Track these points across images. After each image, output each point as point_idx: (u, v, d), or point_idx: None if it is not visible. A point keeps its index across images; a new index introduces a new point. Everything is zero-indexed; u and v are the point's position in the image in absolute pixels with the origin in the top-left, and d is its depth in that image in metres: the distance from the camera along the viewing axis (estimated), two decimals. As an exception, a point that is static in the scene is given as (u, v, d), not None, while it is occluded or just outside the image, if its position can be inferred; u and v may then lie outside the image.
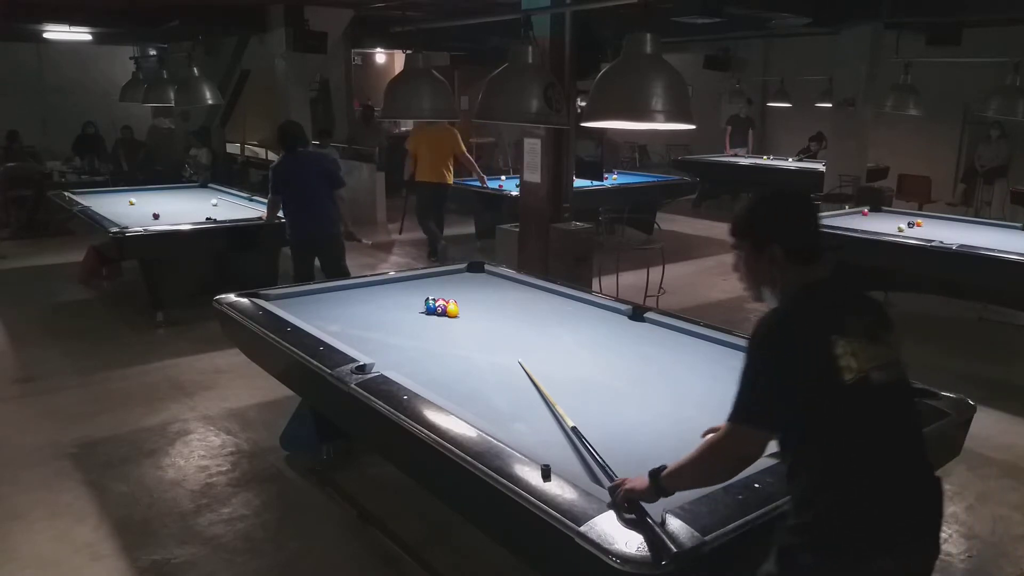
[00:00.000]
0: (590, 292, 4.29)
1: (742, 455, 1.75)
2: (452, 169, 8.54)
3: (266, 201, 6.05)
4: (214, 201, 7.20)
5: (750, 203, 1.90)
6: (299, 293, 4.06)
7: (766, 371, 1.72)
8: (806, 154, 12.71)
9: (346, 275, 5.80)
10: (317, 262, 5.86)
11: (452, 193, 8.77)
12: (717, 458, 1.78)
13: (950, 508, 3.62)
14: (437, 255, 8.32)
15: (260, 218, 6.15)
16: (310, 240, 5.73)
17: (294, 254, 5.77)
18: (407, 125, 14.27)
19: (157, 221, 6.19)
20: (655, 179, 10.54)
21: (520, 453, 2.15)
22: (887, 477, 1.70)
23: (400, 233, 9.94)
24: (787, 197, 1.94)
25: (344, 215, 5.81)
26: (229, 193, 7.92)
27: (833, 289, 1.83)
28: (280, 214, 5.86)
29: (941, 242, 5.51)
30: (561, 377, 2.94)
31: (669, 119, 2.59)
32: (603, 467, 2.15)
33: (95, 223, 6.17)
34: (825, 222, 6.41)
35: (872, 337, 1.73)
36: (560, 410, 2.50)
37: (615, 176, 10.03)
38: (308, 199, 5.64)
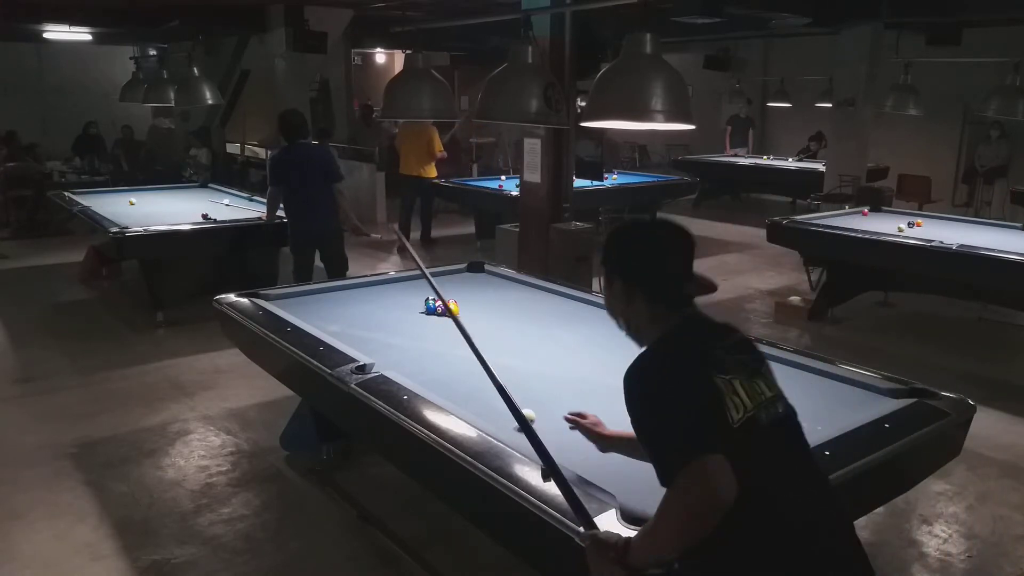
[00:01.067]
0: (590, 292, 4.29)
1: (717, 501, 1.45)
2: (428, 164, 9.27)
3: (265, 200, 6.05)
4: (226, 201, 7.20)
5: (613, 229, 1.81)
6: (299, 293, 4.06)
7: (669, 402, 1.55)
8: (806, 154, 12.71)
9: (346, 266, 5.84)
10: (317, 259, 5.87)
11: (449, 192, 9.23)
12: (686, 512, 1.48)
13: (950, 508, 3.63)
14: (398, 251, 8.97)
15: (260, 218, 6.15)
16: (310, 234, 5.74)
17: (294, 248, 5.78)
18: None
19: (205, 220, 6.19)
20: (655, 179, 10.54)
21: (520, 453, 2.15)
22: (786, 516, 1.54)
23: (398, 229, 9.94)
24: (648, 232, 1.84)
25: (347, 210, 5.83)
26: (229, 193, 7.91)
27: (698, 326, 1.71)
28: (279, 212, 5.87)
29: (941, 242, 5.51)
30: (561, 377, 2.94)
31: (669, 119, 2.59)
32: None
33: (95, 223, 6.17)
34: (825, 222, 6.50)
35: (752, 373, 1.62)
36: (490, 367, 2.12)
37: (615, 176, 10.03)
38: (307, 192, 5.66)
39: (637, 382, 1.60)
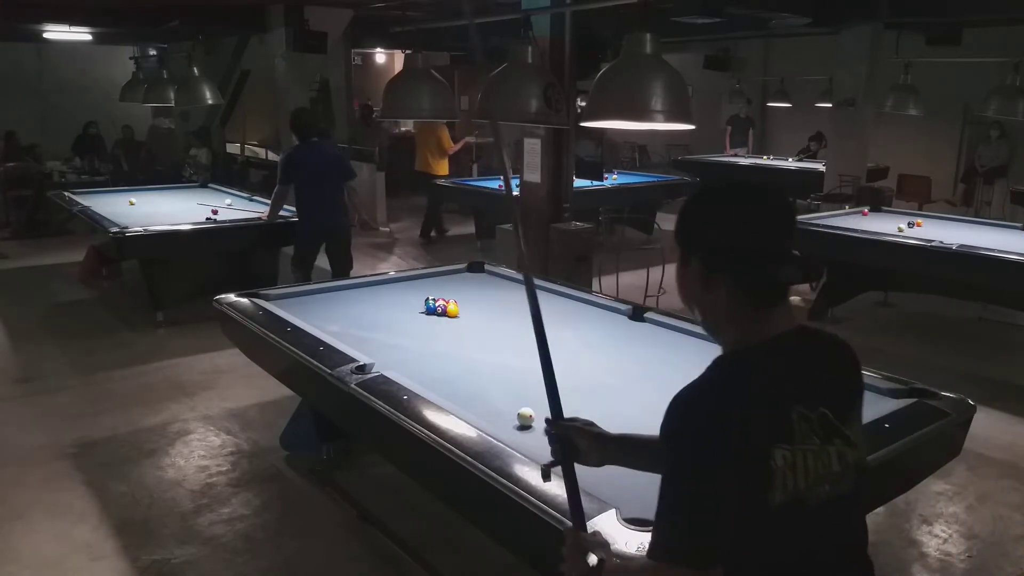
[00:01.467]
0: (590, 292, 4.29)
1: None
2: (439, 160, 9.73)
3: (268, 200, 6.05)
4: (228, 201, 7.21)
5: (693, 194, 1.44)
6: (299, 293, 4.06)
7: (695, 481, 1.26)
8: (806, 154, 12.71)
9: (351, 264, 5.89)
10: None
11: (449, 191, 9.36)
12: None
13: (950, 508, 3.63)
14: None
15: (260, 217, 6.15)
16: (321, 230, 5.82)
17: (302, 243, 5.85)
18: (407, 125, 14.29)
19: (214, 216, 6.22)
20: (655, 179, 10.53)
21: (520, 453, 2.15)
22: None
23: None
24: (740, 195, 1.38)
25: (357, 205, 5.94)
26: (229, 193, 7.91)
27: (782, 350, 1.34)
28: (282, 211, 5.89)
29: (941, 242, 5.50)
30: (561, 377, 2.93)
31: (669, 119, 2.59)
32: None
33: (95, 223, 6.17)
34: (825, 222, 6.50)
35: (827, 435, 1.30)
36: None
37: (615, 176, 10.03)
38: (321, 189, 5.74)
39: (678, 417, 1.30)
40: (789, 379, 1.33)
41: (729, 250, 1.33)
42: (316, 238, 5.84)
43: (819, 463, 1.28)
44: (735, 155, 12.94)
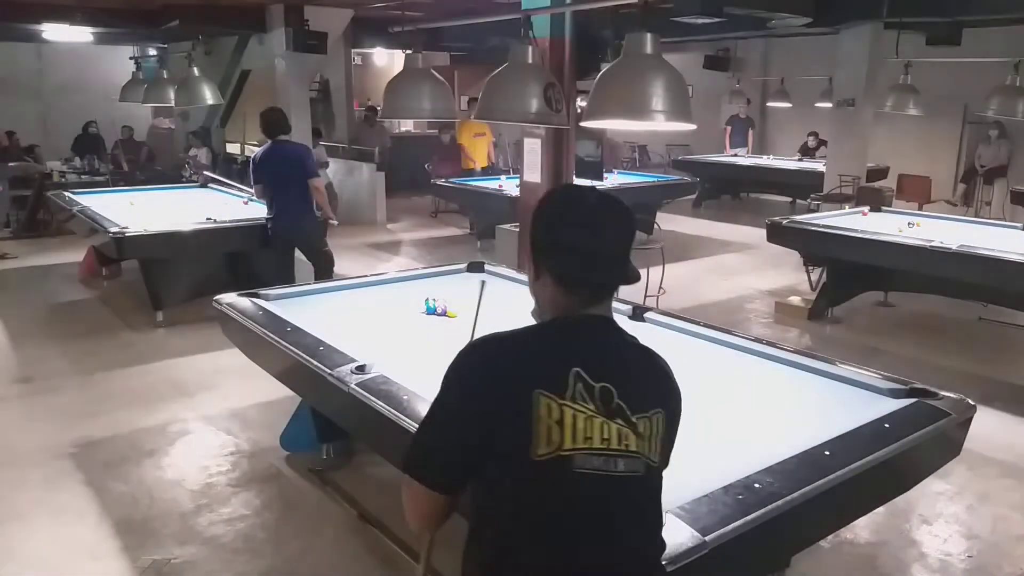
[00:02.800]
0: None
1: (417, 511, 1.50)
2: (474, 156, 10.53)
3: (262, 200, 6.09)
4: (245, 200, 7.21)
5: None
6: (299, 293, 4.06)
7: (447, 414, 1.43)
8: (805, 152, 12.70)
9: (330, 261, 5.93)
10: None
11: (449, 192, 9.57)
12: (406, 505, 1.50)
13: (950, 508, 3.62)
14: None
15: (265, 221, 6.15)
16: (288, 230, 5.86)
17: (273, 245, 5.90)
18: (407, 125, 14.30)
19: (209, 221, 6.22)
20: (655, 179, 10.54)
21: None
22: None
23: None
24: (565, 194, 1.56)
25: (321, 203, 6.01)
26: (230, 193, 7.91)
27: (594, 330, 1.46)
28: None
29: (941, 242, 5.50)
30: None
31: (669, 119, 2.59)
32: None
33: (95, 223, 6.17)
34: (825, 222, 6.50)
35: (608, 409, 1.36)
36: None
37: (615, 176, 10.03)
38: (285, 188, 5.81)
39: (457, 355, 1.45)
40: (578, 346, 1.43)
41: (545, 248, 1.47)
42: (285, 239, 5.89)
43: (592, 429, 1.35)
44: (735, 155, 12.94)
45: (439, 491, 1.46)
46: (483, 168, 10.75)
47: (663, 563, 1.56)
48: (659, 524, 1.51)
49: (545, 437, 1.33)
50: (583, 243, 1.44)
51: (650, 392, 1.46)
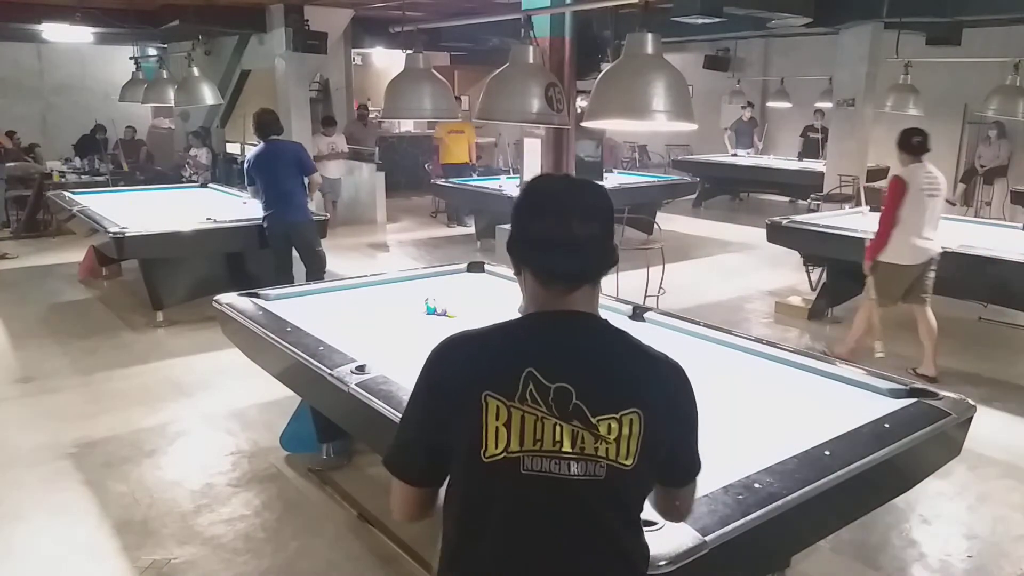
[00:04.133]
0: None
1: (397, 503, 1.53)
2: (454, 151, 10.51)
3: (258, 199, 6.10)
4: (244, 200, 7.22)
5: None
6: (299, 293, 4.06)
7: (413, 411, 1.46)
8: (808, 147, 12.63)
9: (322, 262, 5.95)
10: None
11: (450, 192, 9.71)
12: (391, 497, 1.54)
13: (950, 508, 3.62)
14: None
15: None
16: (285, 228, 5.89)
17: (271, 245, 5.93)
18: (407, 125, 14.30)
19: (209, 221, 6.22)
20: (655, 179, 10.54)
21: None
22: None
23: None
24: (533, 183, 1.47)
25: (311, 195, 6.09)
26: (229, 193, 7.91)
27: (564, 325, 1.41)
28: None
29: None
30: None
31: (669, 119, 2.59)
32: None
33: (95, 223, 6.17)
34: (825, 222, 6.50)
35: (563, 411, 1.32)
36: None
37: (615, 176, 10.04)
38: (283, 189, 5.84)
39: (426, 360, 1.47)
40: (535, 344, 1.39)
41: (516, 239, 1.44)
42: (281, 237, 5.91)
43: (543, 431, 1.31)
44: (734, 155, 12.94)
45: (412, 485, 1.48)
46: (467, 164, 10.78)
47: (644, 571, 1.48)
48: (630, 532, 1.42)
49: (494, 439, 1.32)
50: (547, 231, 1.38)
51: (622, 392, 1.36)
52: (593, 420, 1.32)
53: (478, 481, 1.35)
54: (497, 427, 1.32)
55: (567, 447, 1.31)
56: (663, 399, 1.41)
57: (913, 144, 5.18)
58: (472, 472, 1.35)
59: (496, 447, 1.32)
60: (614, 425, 1.33)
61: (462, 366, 1.42)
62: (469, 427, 1.33)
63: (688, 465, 1.50)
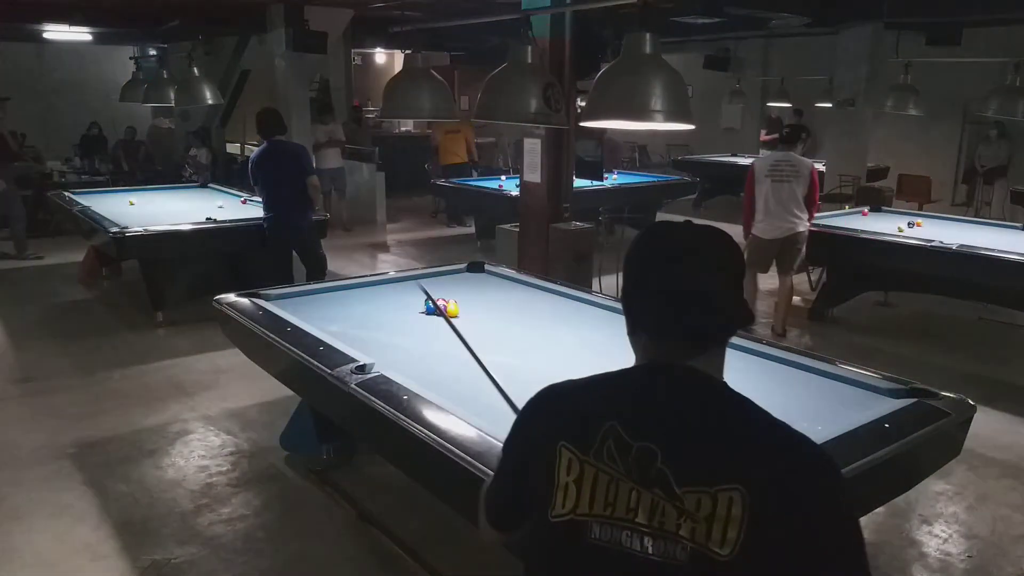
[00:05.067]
0: (590, 292, 4.29)
1: (482, 534, 1.47)
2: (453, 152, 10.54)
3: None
4: (243, 199, 7.24)
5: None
6: (299, 293, 4.06)
7: (501, 458, 1.41)
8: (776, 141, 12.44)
9: (323, 263, 5.95)
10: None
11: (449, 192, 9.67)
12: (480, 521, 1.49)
13: (950, 508, 3.62)
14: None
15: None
16: (287, 231, 5.88)
17: (272, 246, 5.91)
18: (407, 125, 14.31)
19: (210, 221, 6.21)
20: (655, 179, 10.53)
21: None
22: None
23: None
24: (647, 233, 1.31)
25: (313, 200, 6.05)
26: (229, 193, 7.91)
27: (666, 381, 1.22)
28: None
29: (941, 242, 5.50)
30: (561, 377, 2.93)
31: (669, 119, 2.59)
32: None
33: (95, 223, 6.17)
34: (825, 222, 6.50)
35: (642, 473, 1.14)
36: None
37: (615, 176, 10.03)
38: (284, 190, 5.83)
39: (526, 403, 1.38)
40: (627, 397, 1.24)
41: (626, 294, 1.29)
42: (283, 240, 5.91)
43: (612, 494, 1.15)
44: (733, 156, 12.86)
45: (492, 527, 1.45)
46: (467, 163, 10.80)
47: None
48: None
49: (562, 496, 1.19)
50: (654, 284, 1.23)
51: (722, 461, 1.13)
52: (678, 490, 1.12)
53: (543, 540, 1.24)
54: (567, 483, 1.19)
55: (642, 518, 1.13)
56: (788, 482, 1.12)
57: (783, 136, 6.24)
58: (539, 529, 1.24)
59: (563, 506, 1.19)
60: (705, 501, 1.10)
61: (548, 412, 1.31)
62: (542, 479, 1.22)
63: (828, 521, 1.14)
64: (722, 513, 1.09)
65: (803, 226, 5.86)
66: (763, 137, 13.21)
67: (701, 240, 1.27)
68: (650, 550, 1.12)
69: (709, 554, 1.09)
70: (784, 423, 1.20)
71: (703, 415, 1.19)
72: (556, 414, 1.29)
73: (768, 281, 7.72)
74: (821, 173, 9.97)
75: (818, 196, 6.02)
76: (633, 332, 1.29)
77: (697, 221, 1.30)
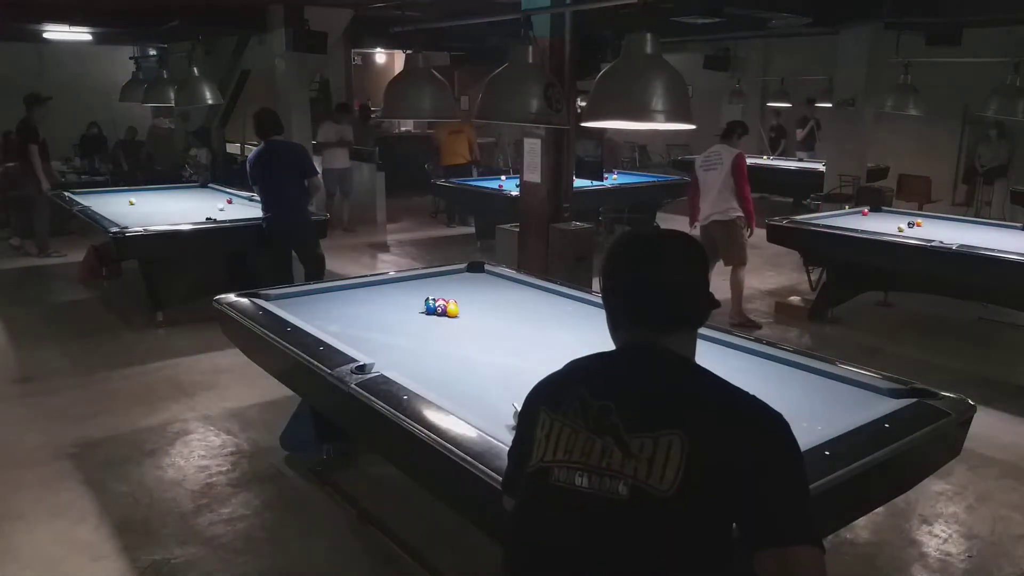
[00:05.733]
0: (590, 292, 4.29)
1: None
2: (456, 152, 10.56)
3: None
4: (229, 200, 7.25)
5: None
6: (299, 293, 4.06)
7: (515, 435, 1.61)
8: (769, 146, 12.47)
9: (321, 263, 5.96)
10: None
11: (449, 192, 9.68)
12: None
13: (950, 508, 3.62)
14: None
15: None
16: (286, 231, 5.88)
17: (271, 246, 5.92)
18: (407, 125, 14.31)
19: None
20: (655, 179, 10.54)
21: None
22: None
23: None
24: (625, 245, 1.55)
25: (312, 197, 6.10)
26: (229, 193, 7.90)
27: (630, 355, 1.49)
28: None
29: (941, 242, 5.50)
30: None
31: (669, 119, 2.59)
32: None
33: (95, 223, 6.17)
34: (825, 222, 6.50)
35: (599, 426, 1.33)
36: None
37: (615, 176, 10.04)
38: (283, 190, 5.85)
39: None
40: (598, 367, 1.50)
41: (601, 291, 1.57)
42: (282, 239, 5.92)
43: (572, 443, 1.34)
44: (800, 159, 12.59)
45: (507, 495, 1.63)
46: (469, 163, 10.85)
47: None
48: (665, 565, 1.27)
49: (537, 449, 1.39)
50: (624, 284, 1.51)
51: (666, 412, 1.32)
52: (626, 437, 1.30)
53: (523, 492, 1.42)
54: (541, 438, 1.39)
55: (594, 460, 1.31)
56: (724, 428, 1.31)
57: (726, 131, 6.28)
58: (523, 483, 1.43)
59: (536, 457, 1.39)
60: (647, 443, 1.28)
61: (538, 389, 1.54)
62: (528, 442, 1.44)
63: (783, 522, 1.27)
64: (661, 454, 1.26)
65: (725, 216, 6.06)
66: (799, 136, 13.12)
67: (662, 243, 1.52)
68: (596, 487, 1.29)
69: (649, 490, 1.26)
70: (737, 388, 1.39)
71: (658, 378, 1.41)
72: (543, 388, 1.53)
73: (770, 280, 7.73)
74: (820, 173, 10.03)
75: (745, 185, 6.08)
76: (613, 328, 1.54)
77: (664, 227, 1.45)
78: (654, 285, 1.46)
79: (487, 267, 4.63)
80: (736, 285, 6.21)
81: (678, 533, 1.27)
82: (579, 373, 1.49)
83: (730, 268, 6.18)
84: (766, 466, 1.29)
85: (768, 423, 1.34)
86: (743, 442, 1.30)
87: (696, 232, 6.16)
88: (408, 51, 3.83)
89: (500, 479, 1.85)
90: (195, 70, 7.41)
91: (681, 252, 1.50)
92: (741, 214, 6.11)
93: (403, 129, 14.53)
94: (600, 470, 1.29)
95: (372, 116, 12.08)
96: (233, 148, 11.85)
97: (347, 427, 3.35)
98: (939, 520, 3.53)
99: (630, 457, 1.28)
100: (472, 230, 9.78)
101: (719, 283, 6.77)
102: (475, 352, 3.22)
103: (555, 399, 1.43)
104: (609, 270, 1.53)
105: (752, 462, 1.28)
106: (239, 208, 6.97)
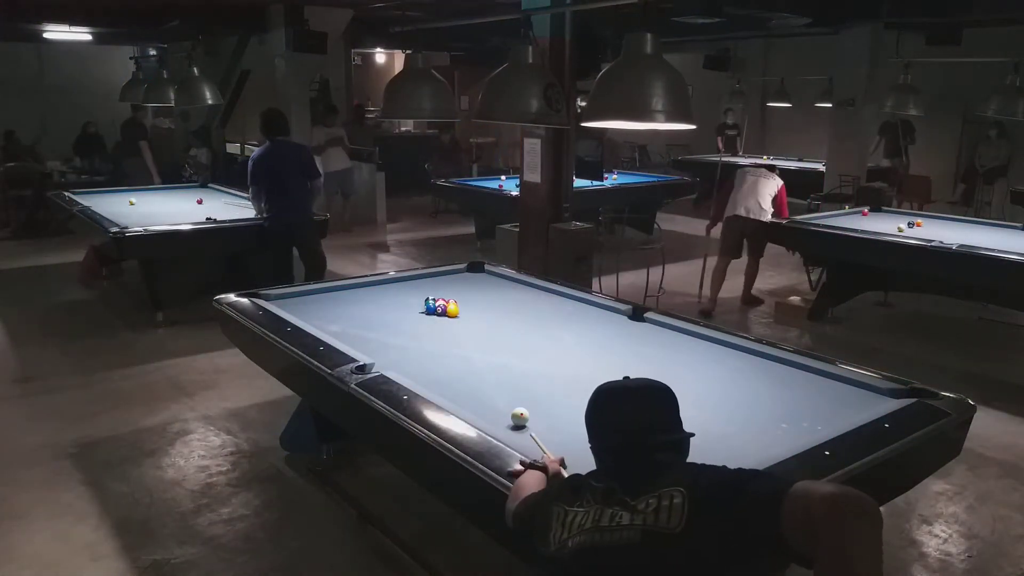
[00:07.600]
0: (590, 292, 4.29)
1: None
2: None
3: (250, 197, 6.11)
4: (199, 200, 7.24)
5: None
6: (299, 293, 4.06)
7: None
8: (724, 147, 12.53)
9: (322, 262, 5.97)
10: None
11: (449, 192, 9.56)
12: None
13: (950, 508, 3.62)
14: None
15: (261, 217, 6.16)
16: (288, 230, 5.89)
17: (273, 245, 5.91)
18: (407, 125, 14.31)
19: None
20: (655, 179, 10.53)
21: (520, 453, 2.15)
22: None
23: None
24: (594, 394, 1.79)
25: (313, 199, 6.12)
26: (229, 193, 7.90)
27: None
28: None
29: (941, 242, 5.50)
30: (561, 377, 2.94)
31: (669, 119, 2.59)
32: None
33: (95, 223, 6.17)
34: (825, 222, 6.50)
35: (605, 501, 1.53)
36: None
37: (615, 176, 10.03)
38: (286, 189, 5.86)
39: None
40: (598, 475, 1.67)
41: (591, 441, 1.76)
42: (284, 239, 5.92)
43: (588, 518, 1.52)
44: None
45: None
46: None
47: None
48: None
49: (555, 537, 1.56)
50: (612, 436, 1.69)
51: (665, 478, 1.51)
52: (631, 502, 1.48)
53: (548, 569, 1.59)
54: (556, 527, 1.58)
55: (604, 523, 1.48)
56: (708, 490, 1.49)
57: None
58: (544, 563, 1.61)
59: (553, 542, 1.56)
60: (652, 500, 1.46)
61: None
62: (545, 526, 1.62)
63: (735, 480, 1.50)
64: (666, 504, 1.44)
65: (762, 216, 6.55)
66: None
67: (638, 392, 1.73)
68: (609, 540, 1.45)
69: (661, 530, 1.41)
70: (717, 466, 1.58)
71: (655, 468, 1.57)
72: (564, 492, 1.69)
73: (770, 280, 7.73)
74: (820, 173, 10.03)
75: (785, 211, 6.65)
76: (600, 461, 1.71)
77: (633, 376, 1.79)
78: (645, 427, 1.65)
79: (487, 267, 4.63)
80: (754, 272, 6.87)
81: (693, 560, 1.41)
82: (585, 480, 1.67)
83: (747, 259, 6.85)
84: (735, 501, 1.44)
85: (734, 482, 1.52)
86: (724, 497, 1.46)
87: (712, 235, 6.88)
88: (408, 51, 3.82)
89: (500, 479, 1.86)
90: (195, 70, 7.40)
91: (658, 394, 1.73)
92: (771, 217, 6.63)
93: (403, 129, 14.54)
94: (611, 528, 1.46)
95: (368, 116, 12.08)
96: (233, 148, 11.85)
97: (347, 427, 3.35)
98: (939, 520, 3.53)
99: (637, 513, 1.46)
100: (472, 230, 9.77)
101: (732, 277, 6.83)
102: (475, 352, 3.22)
103: (562, 498, 1.63)
104: (600, 421, 1.73)
105: (731, 507, 1.43)
106: (214, 207, 6.90)
